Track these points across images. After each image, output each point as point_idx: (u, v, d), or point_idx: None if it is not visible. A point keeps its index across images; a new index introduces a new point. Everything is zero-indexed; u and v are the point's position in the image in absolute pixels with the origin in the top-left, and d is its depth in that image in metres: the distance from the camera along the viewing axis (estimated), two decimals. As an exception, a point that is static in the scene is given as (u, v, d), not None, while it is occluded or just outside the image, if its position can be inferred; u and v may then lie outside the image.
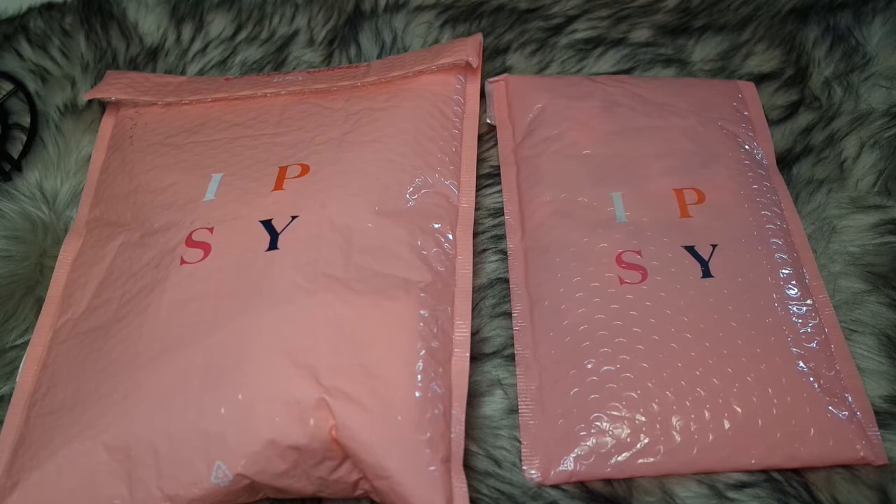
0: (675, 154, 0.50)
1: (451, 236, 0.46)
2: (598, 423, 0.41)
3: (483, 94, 0.55)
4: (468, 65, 0.51)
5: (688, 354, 0.42)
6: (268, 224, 0.44)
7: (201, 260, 0.43)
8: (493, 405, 0.43)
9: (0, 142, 0.54)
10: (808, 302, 0.45)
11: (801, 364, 0.42)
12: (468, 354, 0.42)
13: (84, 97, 0.55)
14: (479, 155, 0.52)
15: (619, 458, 0.40)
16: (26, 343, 0.45)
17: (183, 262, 0.43)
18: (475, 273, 0.47)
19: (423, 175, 0.47)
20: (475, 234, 0.49)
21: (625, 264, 0.45)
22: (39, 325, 0.45)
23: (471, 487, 0.39)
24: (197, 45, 0.59)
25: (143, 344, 0.40)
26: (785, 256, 0.46)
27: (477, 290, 0.47)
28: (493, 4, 0.62)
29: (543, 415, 0.42)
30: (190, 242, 0.43)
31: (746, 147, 0.52)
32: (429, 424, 0.38)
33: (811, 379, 0.42)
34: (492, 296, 0.47)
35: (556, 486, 0.40)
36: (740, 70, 0.58)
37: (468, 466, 0.41)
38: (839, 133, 0.54)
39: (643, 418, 0.40)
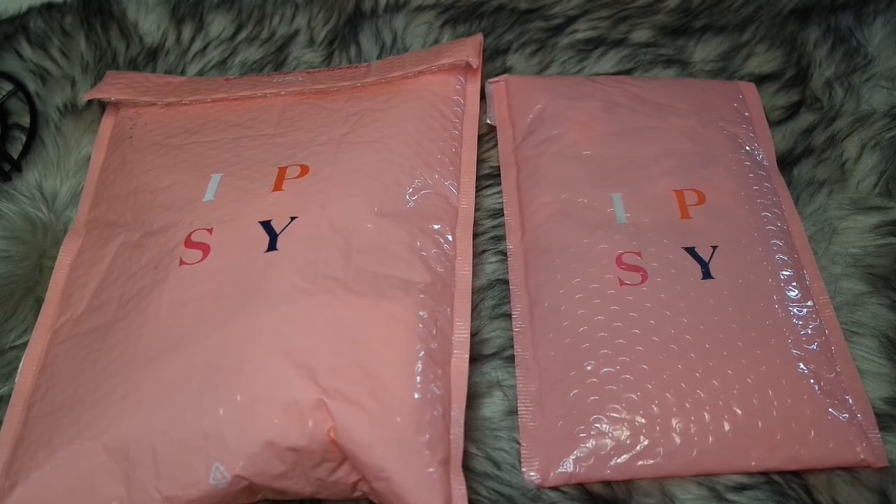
0: (675, 155, 0.50)
1: (450, 237, 0.46)
2: (597, 425, 0.41)
3: (483, 95, 0.55)
4: (468, 65, 0.51)
5: (688, 356, 0.42)
6: (267, 225, 0.44)
7: (200, 261, 0.43)
8: (492, 407, 0.43)
9: (0, 142, 0.54)
10: (809, 303, 0.45)
11: (802, 366, 0.42)
12: (467, 356, 0.42)
13: (84, 97, 0.55)
14: (479, 155, 0.52)
15: (619, 460, 0.40)
16: (25, 343, 0.45)
17: (182, 262, 0.43)
18: (475, 274, 0.47)
19: (423, 176, 0.47)
20: (475, 235, 0.49)
21: (625, 266, 0.45)
22: (38, 325, 0.45)
23: (470, 489, 0.39)
24: (197, 46, 0.59)
25: (142, 345, 0.40)
26: (785, 258, 0.46)
27: (476, 291, 0.47)
28: (494, 5, 0.61)
29: (543, 416, 0.42)
30: (189, 243, 0.43)
31: (747, 148, 0.52)
32: (428, 426, 0.38)
33: (811, 381, 0.42)
34: (491, 297, 0.47)
35: (555, 488, 0.40)
36: (741, 71, 0.58)
37: (467, 468, 0.41)
38: (840, 134, 0.54)
39: (643, 420, 0.40)
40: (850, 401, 0.42)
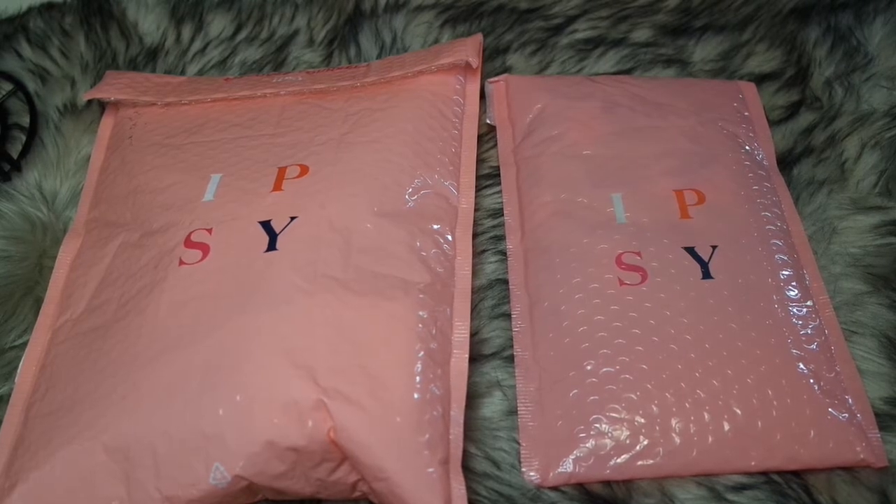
0: (675, 155, 0.50)
1: (450, 237, 0.46)
2: (597, 425, 0.41)
3: (483, 95, 0.55)
4: (468, 65, 0.51)
5: (687, 356, 0.42)
6: (266, 225, 0.44)
7: (200, 261, 0.43)
8: (492, 406, 0.43)
9: (0, 142, 0.54)
10: (809, 303, 0.45)
11: (802, 366, 0.42)
12: (467, 356, 0.42)
13: (83, 97, 0.55)
14: (478, 155, 0.52)
15: (619, 460, 0.40)
16: (25, 343, 0.45)
17: (182, 262, 0.43)
18: (474, 274, 0.47)
19: (423, 176, 0.47)
20: (475, 235, 0.49)
21: (624, 265, 0.45)
22: (38, 325, 0.45)
23: (469, 489, 0.39)
24: (197, 45, 0.59)
25: (141, 344, 0.40)
26: (785, 258, 0.46)
27: (476, 290, 0.47)
28: (494, 4, 0.61)
29: (543, 416, 0.42)
30: (189, 243, 0.43)
31: (747, 147, 0.52)
32: (427, 426, 0.38)
33: (811, 381, 0.42)
34: (491, 297, 0.47)
35: (554, 488, 0.40)
36: (741, 70, 0.58)
37: (467, 468, 0.41)
38: (840, 134, 0.54)
39: (642, 420, 0.40)
40: (850, 400, 0.42)
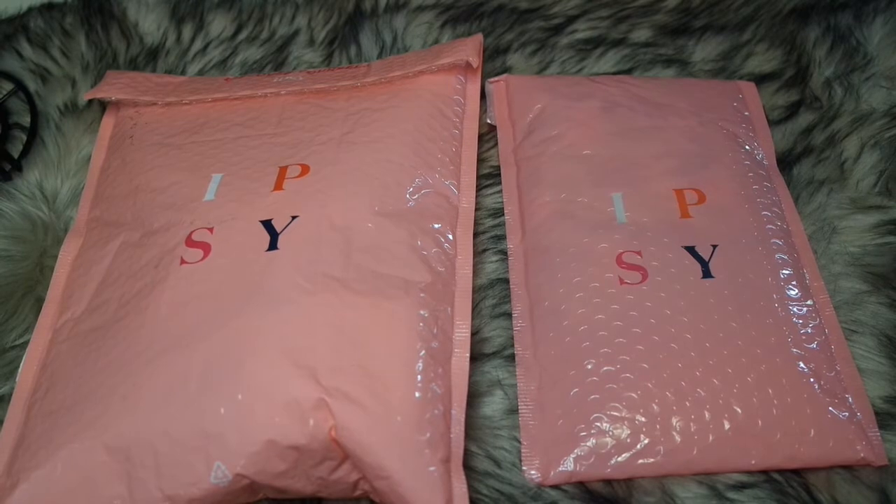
0: (675, 154, 0.50)
1: (451, 236, 0.46)
2: (598, 424, 0.41)
3: (483, 95, 0.55)
4: (468, 65, 0.51)
5: (688, 355, 0.42)
6: (268, 224, 0.44)
7: (201, 260, 0.43)
8: (493, 405, 0.43)
9: (0, 141, 0.54)
10: (809, 302, 0.45)
11: (802, 365, 0.42)
12: (468, 355, 0.42)
13: (84, 97, 0.55)
14: (479, 155, 0.52)
15: (619, 459, 0.40)
16: (26, 343, 0.45)
17: (183, 262, 0.43)
18: (475, 273, 0.47)
19: (423, 175, 0.47)
20: (475, 235, 0.49)
21: (625, 265, 0.45)
22: (39, 325, 0.45)
23: (470, 488, 0.39)
24: (197, 45, 0.59)
25: (142, 344, 0.40)
26: (785, 257, 0.46)
27: (477, 290, 0.47)
28: (494, 4, 0.62)
29: (543, 415, 0.42)
30: (190, 242, 0.43)
31: (747, 147, 0.52)
32: (428, 425, 0.38)
33: (811, 379, 0.42)
34: (492, 296, 0.47)
35: (555, 487, 0.40)
36: (741, 70, 0.58)
37: (468, 467, 0.41)
38: (840, 133, 0.54)
39: (643, 419, 0.40)
40: (850, 399, 0.42)
